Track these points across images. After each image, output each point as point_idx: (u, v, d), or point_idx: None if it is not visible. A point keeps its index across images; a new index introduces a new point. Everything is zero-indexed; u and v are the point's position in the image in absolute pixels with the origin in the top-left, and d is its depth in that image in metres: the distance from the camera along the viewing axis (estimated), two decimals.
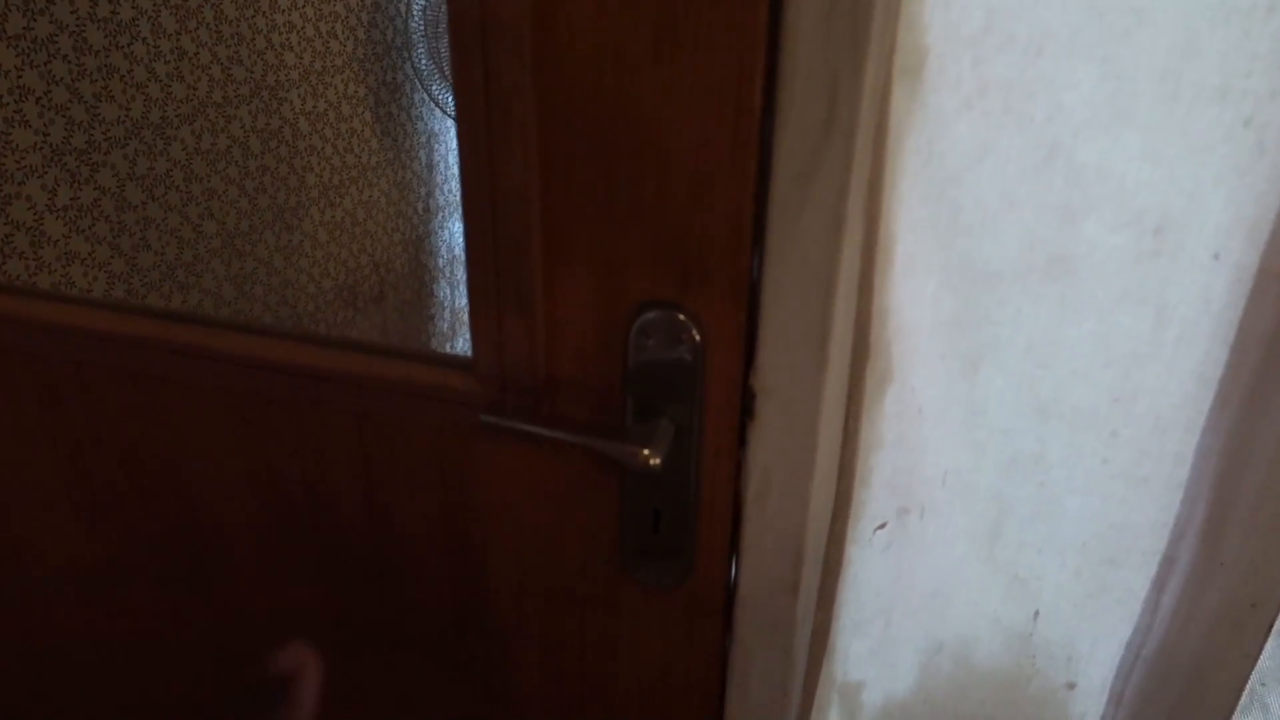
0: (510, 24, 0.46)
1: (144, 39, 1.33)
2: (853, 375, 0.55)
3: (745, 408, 0.54)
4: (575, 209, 0.51)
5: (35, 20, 1.17)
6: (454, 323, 2.48)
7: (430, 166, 2.20)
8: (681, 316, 0.52)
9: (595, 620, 0.64)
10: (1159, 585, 0.59)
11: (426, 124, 2.15)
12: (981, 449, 0.57)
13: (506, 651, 0.67)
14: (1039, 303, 0.52)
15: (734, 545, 0.59)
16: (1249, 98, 0.45)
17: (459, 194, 2.36)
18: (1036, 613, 0.62)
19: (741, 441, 0.55)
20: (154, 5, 1.34)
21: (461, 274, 2.47)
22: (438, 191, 2.26)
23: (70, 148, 1.24)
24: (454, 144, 2.31)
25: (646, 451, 0.51)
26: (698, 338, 0.52)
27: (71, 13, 1.21)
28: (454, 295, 2.45)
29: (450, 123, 2.20)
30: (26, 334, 0.68)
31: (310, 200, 1.76)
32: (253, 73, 1.56)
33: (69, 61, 1.22)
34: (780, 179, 0.47)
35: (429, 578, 0.67)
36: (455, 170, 2.34)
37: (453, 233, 2.38)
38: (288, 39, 1.64)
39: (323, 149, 1.78)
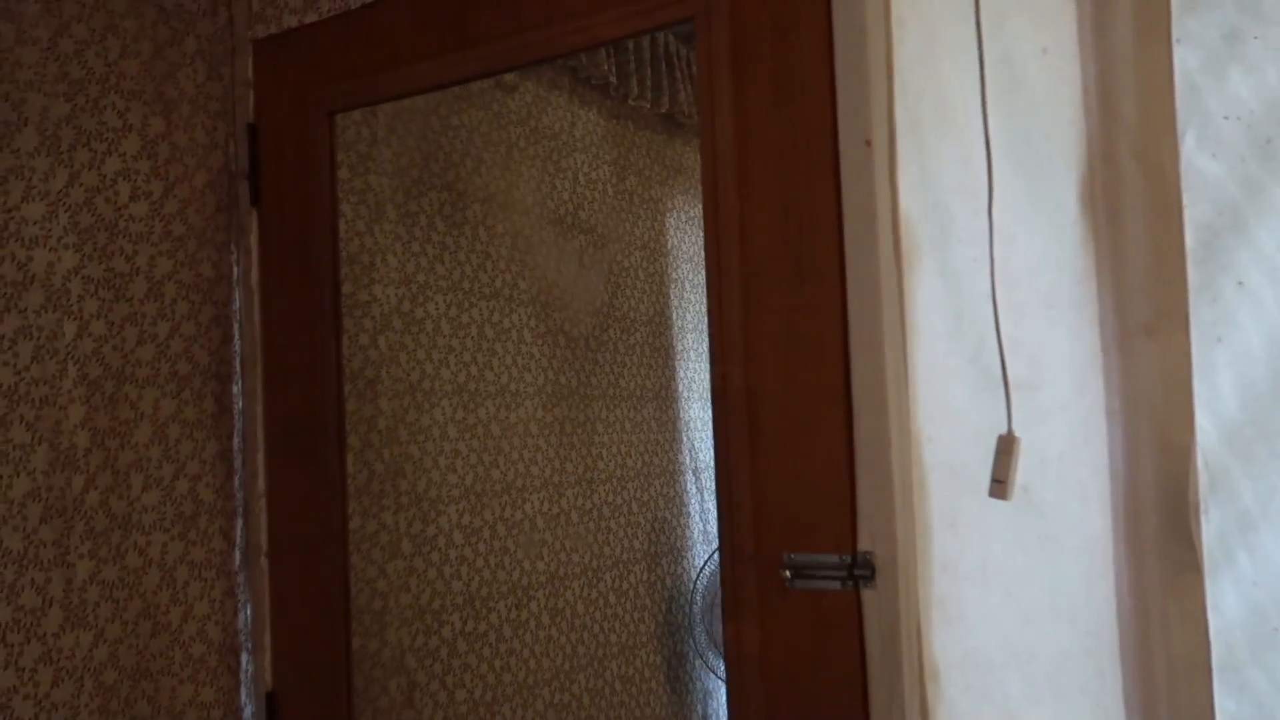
0: (749, 659, 1.08)
1: (532, 631, 2.09)
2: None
3: None
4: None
5: (480, 623, 1.95)
6: None
7: (705, 718, 2.76)
8: None
9: None
10: None
11: (703, 684, 2.76)
12: None
13: None
14: (1010, 680, 0.98)
15: None
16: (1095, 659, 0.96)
17: None
18: None
19: None
20: (539, 609, 2.12)
21: None
22: None
23: (484, 700, 1.94)
24: (722, 700, 2.88)
25: None
26: None
27: (497, 617, 2.00)
28: None
29: (719, 684, 2.79)
30: None
31: None
32: (589, 648, 2.28)
33: (492, 646, 1.98)
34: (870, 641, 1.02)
35: None
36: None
37: None
38: (613, 624, 2.38)
39: (629, 704, 2.41)
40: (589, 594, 2.30)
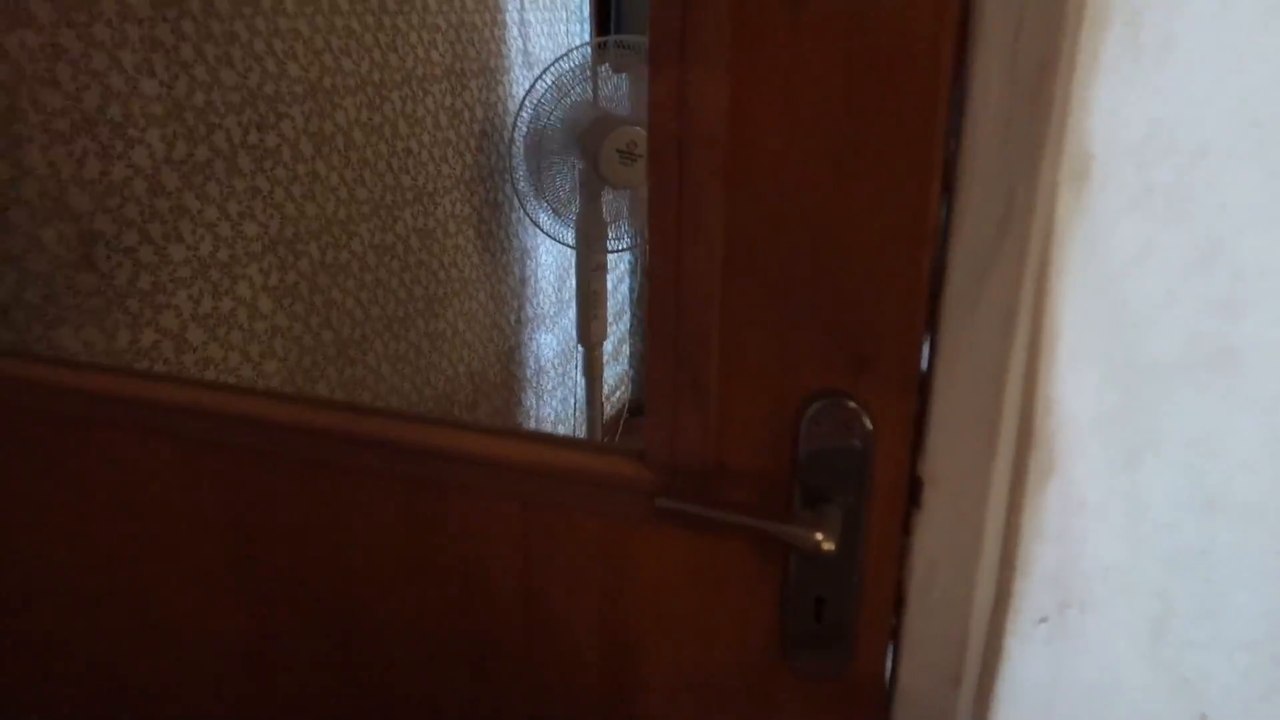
0: (706, 139, 0.51)
1: (284, 163, 1.44)
2: (1016, 467, 0.56)
3: (912, 496, 0.56)
4: (753, 305, 0.54)
5: (197, 147, 1.28)
6: (539, 430, 2.54)
7: (523, 280, 2.30)
8: (852, 405, 0.54)
9: (748, 712, 0.64)
10: None
11: (522, 240, 2.26)
12: (1144, 543, 0.58)
13: None
14: (1204, 395, 0.53)
15: (895, 635, 0.59)
16: None
17: (546, 307, 2.44)
18: (1203, 716, 0.61)
19: (906, 530, 0.57)
20: (295, 132, 1.46)
21: (546, 384, 2.53)
22: (529, 304, 2.35)
23: (216, 260, 1.33)
24: (544, 259, 2.41)
25: (819, 535, 0.53)
26: (868, 425, 0.54)
27: (226, 140, 1.33)
28: (539, 405, 2.51)
29: (543, 238, 2.30)
30: (214, 423, 0.73)
31: (416, 312, 1.85)
32: (373, 193, 1.67)
33: (220, 183, 1.33)
34: (956, 275, 0.50)
35: (580, 667, 0.68)
36: (545, 284, 2.44)
37: (540, 344, 2.45)
38: (405, 163, 1.76)
39: (430, 263, 1.87)
40: (368, 117, 1.64)
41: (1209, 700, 0.61)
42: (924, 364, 0.53)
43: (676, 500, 0.57)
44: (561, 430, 2.69)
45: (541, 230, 2.18)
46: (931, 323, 0.52)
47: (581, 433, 2.66)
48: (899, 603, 0.59)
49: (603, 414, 2.44)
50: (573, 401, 2.70)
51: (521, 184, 2.12)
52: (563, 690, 0.70)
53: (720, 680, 0.64)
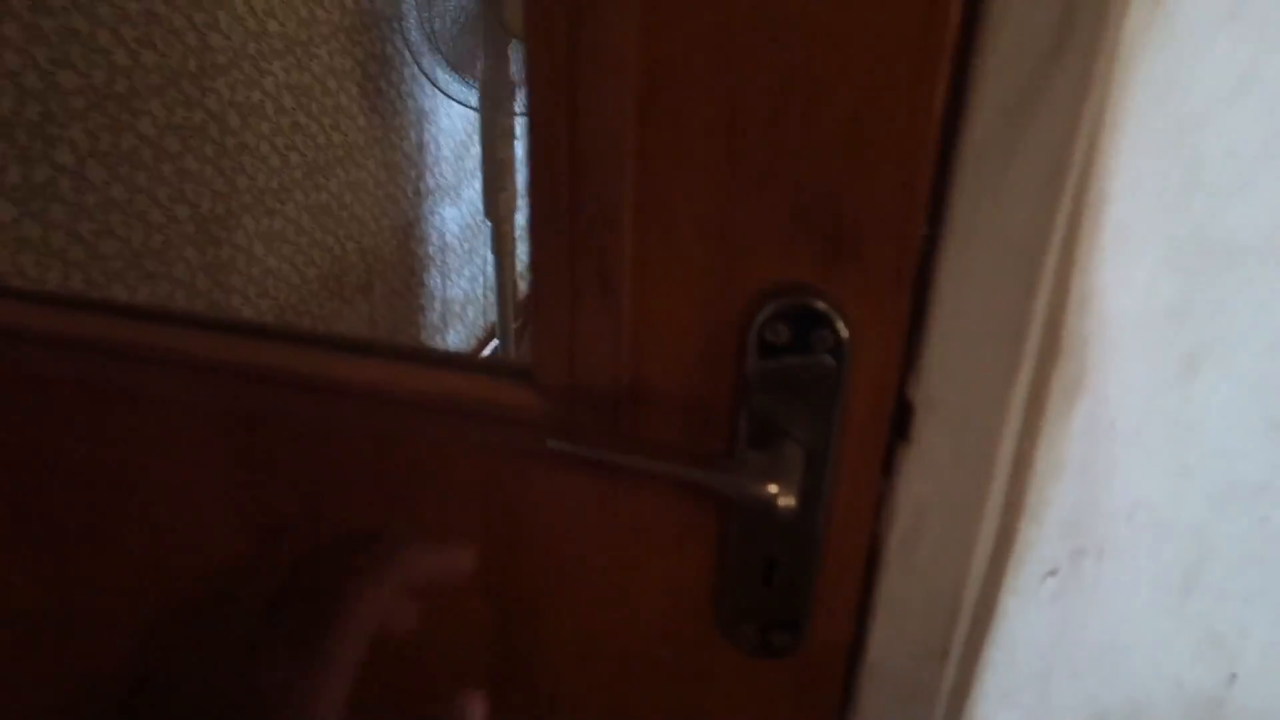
0: None
1: (112, 1, 1.18)
2: (1034, 384, 0.42)
3: (898, 427, 0.41)
4: (683, 160, 0.37)
5: None
6: (445, 314, 2.35)
7: (421, 147, 2.06)
8: (821, 305, 0.39)
9: (679, 691, 0.51)
10: None
11: (417, 101, 2.01)
12: (1187, 475, 0.45)
13: None
14: None
15: (866, 600, 0.46)
16: None
17: (450, 177, 2.22)
18: (1233, 676, 0.50)
19: (888, 470, 0.42)
20: None
21: (453, 261, 2.33)
22: (429, 174, 2.12)
23: (22, 120, 1.09)
24: (445, 123, 2.16)
25: (774, 488, 0.38)
26: (843, 333, 0.39)
27: None
28: (445, 285, 2.31)
29: (442, 99, 2.06)
30: None
31: (294, 182, 1.62)
32: (231, 41, 1.41)
33: (22, 22, 1.07)
34: (982, 116, 0.34)
35: (463, 634, 0.54)
36: (446, 152, 2.20)
37: (444, 218, 2.24)
38: (270, 5, 1.49)
39: (307, 126, 1.63)
40: None
41: (1242, 660, 0.49)
42: (927, 246, 0.38)
43: (573, 441, 0.41)
44: (471, 312, 2.50)
45: (438, 89, 1.94)
46: (938, 188, 0.36)
47: (493, 315, 2.48)
48: (873, 561, 0.45)
49: (515, 293, 2.25)
50: (481, 280, 2.51)
51: (413, 34, 1.86)
52: (444, 661, 0.55)
53: (641, 652, 0.50)
